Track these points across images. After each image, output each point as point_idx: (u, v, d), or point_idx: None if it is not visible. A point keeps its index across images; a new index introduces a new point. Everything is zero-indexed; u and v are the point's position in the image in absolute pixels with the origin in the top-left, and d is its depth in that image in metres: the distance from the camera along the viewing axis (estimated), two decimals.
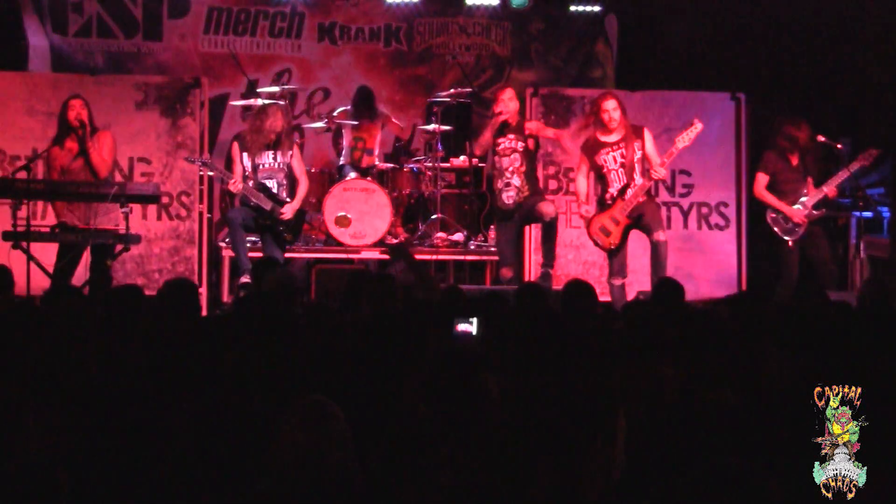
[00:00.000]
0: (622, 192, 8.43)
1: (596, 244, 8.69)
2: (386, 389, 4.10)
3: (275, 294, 5.77)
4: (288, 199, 8.92)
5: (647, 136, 8.51)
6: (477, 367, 3.87)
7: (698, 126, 8.47)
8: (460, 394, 3.53)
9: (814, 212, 8.74)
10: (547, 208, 8.74)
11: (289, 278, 6.23)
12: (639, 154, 8.47)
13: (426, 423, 3.44)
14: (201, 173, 9.84)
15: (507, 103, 8.79)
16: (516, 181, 8.80)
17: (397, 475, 3.16)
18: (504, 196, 8.83)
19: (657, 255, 8.42)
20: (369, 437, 3.36)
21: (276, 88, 10.55)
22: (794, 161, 8.78)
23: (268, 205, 8.77)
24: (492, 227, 9.65)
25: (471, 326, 4.18)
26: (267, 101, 9.42)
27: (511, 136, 8.82)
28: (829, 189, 8.73)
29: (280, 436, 3.17)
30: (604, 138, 8.48)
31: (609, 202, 8.50)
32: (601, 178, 8.58)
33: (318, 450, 3.13)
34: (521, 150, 8.81)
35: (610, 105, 8.45)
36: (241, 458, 3.46)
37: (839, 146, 9.15)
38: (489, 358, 4.38)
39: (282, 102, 9.50)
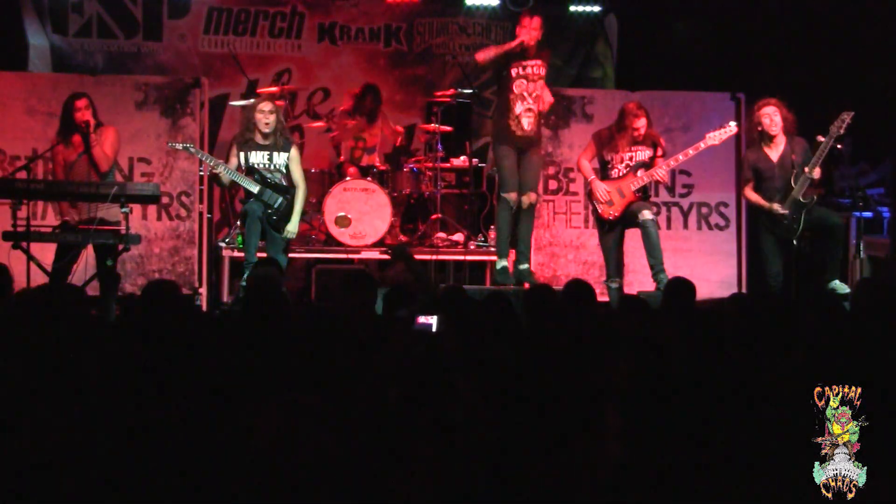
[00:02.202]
0: (636, 167, 8.53)
1: (595, 211, 8.73)
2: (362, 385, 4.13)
3: (254, 293, 5.78)
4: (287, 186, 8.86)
5: (661, 146, 8.65)
6: (442, 364, 3.89)
7: (733, 128, 8.57)
8: (428, 392, 3.53)
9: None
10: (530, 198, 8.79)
11: (267, 278, 6.22)
12: (644, 158, 8.58)
13: (401, 421, 3.45)
14: (201, 173, 9.84)
15: (530, 32, 8.73)
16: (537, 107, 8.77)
17: (383, 472, 3.15)
18: (525, 122, 8.70)
19: (647, 235, 8.49)
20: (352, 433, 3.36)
21: (275, 88, 10.55)
22: (774, 156, 8.58)
23: (255, 188, 8.71)
24: (491, 226, 9.57)
25: (431, 321, 4.12)
26: (261, 98, 9.33)
27: (538, 61, 8.79)
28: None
29: (258, 431, 3.18)
30: (620, 139, 8.57)
31: (618, 175, 8.56)
32: (603, 168, 8.69)
33: (296, 446, 3.13)
34: (544, 75, 8.82)
35: (641, 123, 8.54)
36: (221, 453, 3.47)
37: (839, 146, 9.12)
38: (469, 357, 4.41)
39: (278, 102, 9.43)
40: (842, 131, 8.24)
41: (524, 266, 8.89)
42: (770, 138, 8.42)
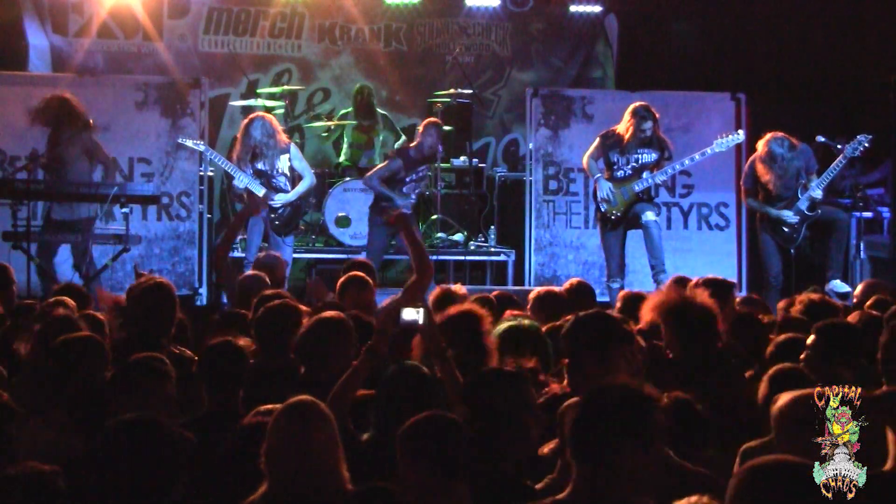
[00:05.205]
0: (641, 168, 8.54)
1: (598, 209, 8.75)
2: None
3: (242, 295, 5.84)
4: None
5: (667, 149, 8.66)
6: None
7: (741, 136, 8.65)
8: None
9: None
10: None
11: (254, 282, 6.24)
12: (651, 159, 8.60)
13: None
14: (201, 173, 9.85)
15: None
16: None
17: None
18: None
19: (649, 236, 8.53)
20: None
21: (276, 89, 10.56)
22: (780, 171, 8.62)
23: (260, 191, 8.78)
24: (491, 226, 9.62)
25: (417, 315, 4.05)
26: (251, 115, 9.38)
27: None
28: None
29: (268, 436, 3.18)
30: (627, 141, 8.58)
31: (623, 176, 8.58)
32: (608, 169, 8.70)
33: (305, 449, 3.14)
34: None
35: (648, 126, 8.55)
36: (232, 459, 3.48)
37: (839, 146, 9.13)
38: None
39: (263, 113, 9.40)
40: (858, 153, 8.39)
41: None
42: (775, 158, 8.51)
